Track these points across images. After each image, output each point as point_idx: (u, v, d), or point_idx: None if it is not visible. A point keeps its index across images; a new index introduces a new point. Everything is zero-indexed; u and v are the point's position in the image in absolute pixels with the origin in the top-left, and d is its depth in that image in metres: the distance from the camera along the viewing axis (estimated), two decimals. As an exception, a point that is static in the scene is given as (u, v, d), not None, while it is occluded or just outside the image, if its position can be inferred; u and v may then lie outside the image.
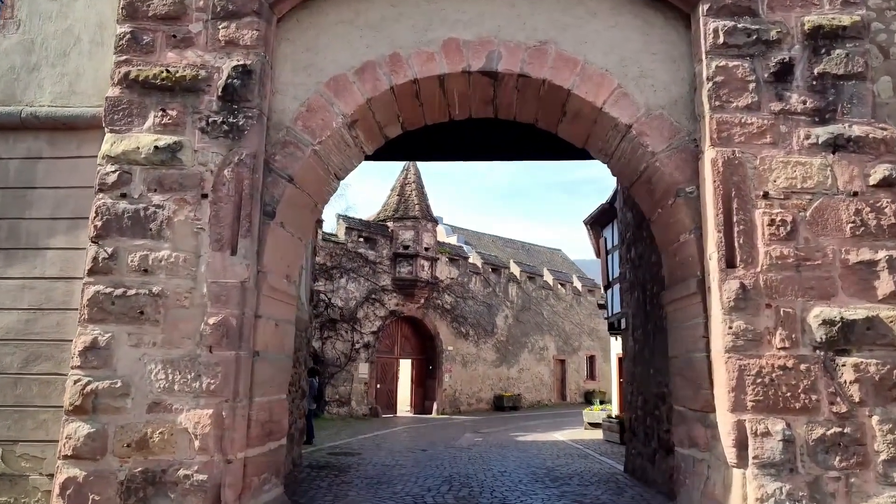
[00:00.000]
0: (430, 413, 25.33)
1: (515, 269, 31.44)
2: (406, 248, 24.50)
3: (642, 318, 9.72)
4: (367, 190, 72.88)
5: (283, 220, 6.12)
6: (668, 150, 5.98)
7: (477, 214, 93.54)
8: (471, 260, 28.76)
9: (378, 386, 23.85)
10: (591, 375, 35.57)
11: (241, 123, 5.74)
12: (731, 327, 5.25)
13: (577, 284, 35.71)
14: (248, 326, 5.58)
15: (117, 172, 5.63)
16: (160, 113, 5.75)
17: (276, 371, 6.30)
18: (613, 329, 16.13)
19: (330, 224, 25.57)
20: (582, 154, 11.91)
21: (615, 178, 15.39)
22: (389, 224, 24.77)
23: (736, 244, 5.39)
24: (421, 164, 25.55)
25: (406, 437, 17.07)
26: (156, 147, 5.64)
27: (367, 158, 12.54)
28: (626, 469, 10.83)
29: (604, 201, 15.57)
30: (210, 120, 5.74)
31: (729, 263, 5.38)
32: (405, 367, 28.11)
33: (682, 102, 6.05)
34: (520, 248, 39.62)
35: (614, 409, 19.56)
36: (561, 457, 13.33)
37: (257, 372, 5.76)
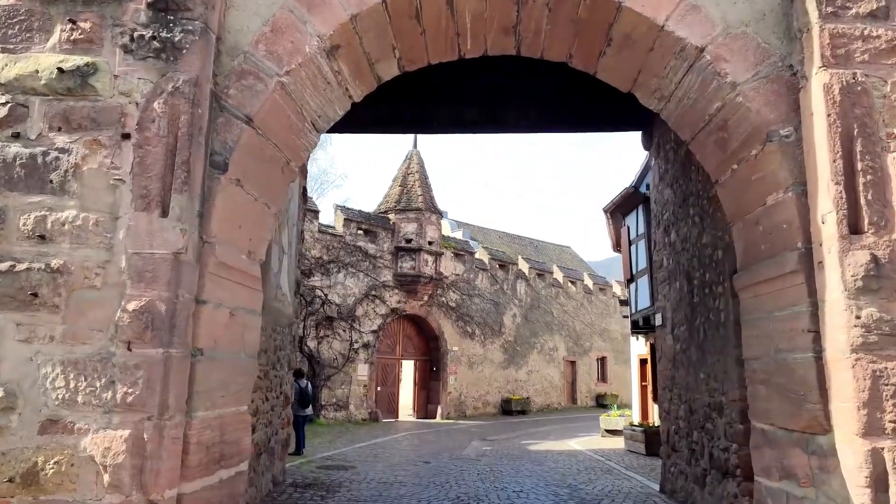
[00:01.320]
0: (434, 417, 23.81)
1: (524, 266, 29.90)
2: (408, 241, 23.00)
3: (686, 313, 8.19)
4: (367, 182, 71.13)
5: (240, 177, 4.61)
6: (754, 81, 4.45)
7: (483, 212, 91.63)
8: (477, 255, 27.25)
9: (378, 389, 22.34)
10: (603, 378, 34.00)
11: (177, 40, 4.22)
12: (858, 317, 3.72)
13: (589, 282, 34.15)
14: (185, 314, 4.06)
15: (8, 105, 4.12)
16: (69, 26, 4.25)
17: (231, 375, 4.77)
18: (638, 328, 14.58)
19: (327, 215, 24.12)
20: (615, 121, 10.40)
21: (643, 155, 13.85)
22: (391, 216, 23.28)
23: (862, 201, 3.86)
24: (425, 156, 24.08)
25: (407, 446, 15.56)
26: (60, 70, 4.13)
27: (361, 129, 11.04)
28: (662, 489, 9.29)
29: (627, 185, 14.03)
30: (136, 35, 4.22)
31: (853, 228, 3.85)
32: (407, 369, 26.61)
33: (772, 16, 4.52)
34: (528, 245, 38.08)
35: (634, 415, 18.00)
36: (582, 471, 11.80)
37: (201, 377, 4.24)
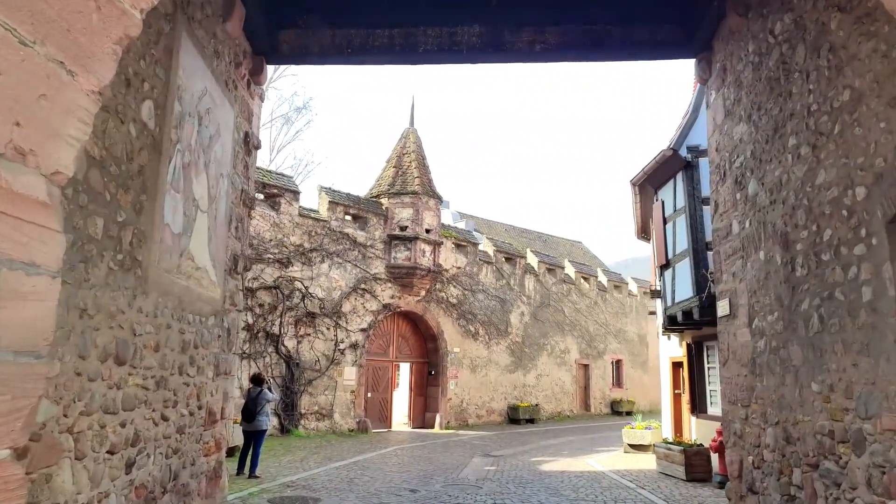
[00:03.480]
0: (433, 427, 21.18)
1: (533, 260, 27.25)
2: (403, 228, 20.41)
3: (780, 294, 5.56)
4: (359, 168, 68.11)
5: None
6: None
7: (487, 204, 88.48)
8: (481, 247, 24.62)
9: (368, 395, 19.73)
10: (618, 383, 31.28)
11: None
12: None
13: (603, 279, 31.45)
14: None
15: None
16: None
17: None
18: (675, 324, 11.94)
19: (310, 197, 21.57)
20: (659, 45, 7.83)
21: (692, 93, 11.18)
22: (384, 200, 20.70)
23: None
24: (424, 138, 21.45)
25: (395, 465, 12.95)
26: None
27: (326, 59, 8.48)
28: (733, 544, 6.66)
29: (663, 148, 11.39)
30: None
31: None
32: (402, 373, 24.03)
33: None
34: (536, 239, 35.41)
35: (665, 429, 15.33)
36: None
37: None
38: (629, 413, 29.60)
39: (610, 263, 41.79)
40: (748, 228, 6.42)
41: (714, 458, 11.01)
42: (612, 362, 30.97)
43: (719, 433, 10.92)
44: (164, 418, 5.63)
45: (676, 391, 14.53)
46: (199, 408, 6.55)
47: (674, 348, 14.19)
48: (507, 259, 25.60)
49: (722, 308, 7.12)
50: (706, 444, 11.61)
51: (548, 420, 25.93)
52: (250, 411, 10.75)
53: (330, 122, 67.01)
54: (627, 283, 33.14)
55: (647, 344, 33.18)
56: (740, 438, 6.66)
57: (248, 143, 8.01)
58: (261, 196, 17.34)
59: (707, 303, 10.34)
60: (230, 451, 12.32)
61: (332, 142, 64.60)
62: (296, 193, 18.10)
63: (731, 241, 6.91)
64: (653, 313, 17.23)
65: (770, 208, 5.84)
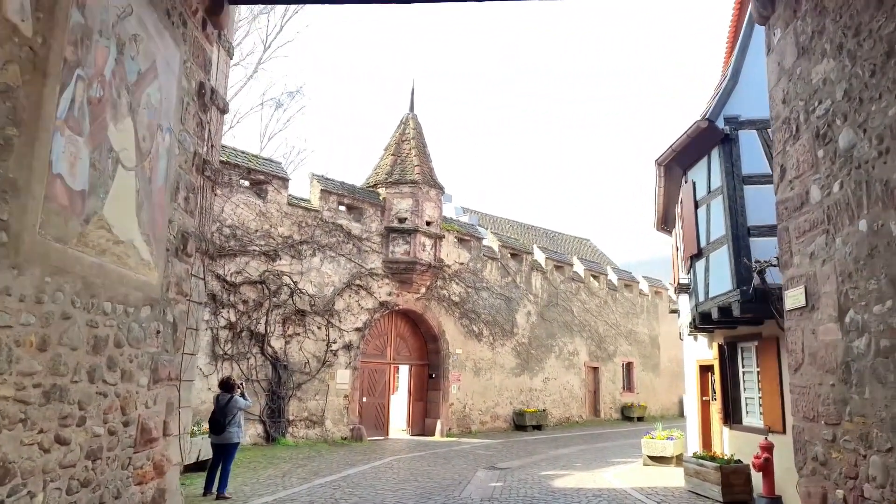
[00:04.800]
0: (433, 434, 19.69)
1: (540, 256, 25.74)
2: (402, 220, 18.94)
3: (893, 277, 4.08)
4: (355, 161, 66.38)
5: None
6: None
7: (492, 201, 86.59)
8: (485, 242, 23.13)
9: (364, 400, 18.25)
10: (629, 387, 29.73)
11: None
12: None
13: (613, 277, 29.92)
14: None
15: None
16: None
17: None
18: (708, 322, 10.43)
19: (301, 187, 20.07)
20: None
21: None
22: (381, 190, 19.24)
23: None
24: (425, 126, 20.00)
25: (389, 482, 11.47)
26: None
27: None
28: None
29: (697, 120, 9.90)
30: None
31: None
32: (400, 376, 22.58)
33: None
34: (543, 236, 33.90)
35: (691, 439, 13.81)
36: (644, 540, 7.67)
37: None
38: (640, 419, 28.08)
39: (619, 265, 40.23)
40: (837, 193, 4.94)
41: (756, 477, 9.51)
42: (623, 365, 29.44)
43: (763, 448, 9.41)
44: (62, 441, 4.16)
45: (704, 398, 13.01)
46: (126, 424, 5.08)
47: (702, 350, 12.68)
48: (513, 255, 24.11)
49: (793, 299, 5.63)
50: (745, 461, 10.12)
51: (556, 426, 24.42)
52: (218, 422, 9.28)
53: (326, 111, 65.15)
54: (638, 283, 31.62)
55: (660, 346, 31.68)
56: (823, 466, 5.16)
57: (204, 97, 6.55)
58: (246, 183, 15.91)
59: (750, 296, 8.86)
60: (200, 466, 10.88)
61: (328, 130, 62.68)
62: (284, 181, 16.64)
63: (807, 213, 5.42)
64: (675, 311, 15.71)
65: (878, 161, 4.35)
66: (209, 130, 7.97)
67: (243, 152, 16.55)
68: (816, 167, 5.24)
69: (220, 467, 9.37)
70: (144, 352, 5.37)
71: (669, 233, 15.65)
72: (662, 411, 31.13)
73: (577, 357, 26.58)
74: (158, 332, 5.61)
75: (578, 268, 27.83)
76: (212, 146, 8.04)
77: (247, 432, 14.84)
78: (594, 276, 28.52)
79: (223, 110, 8.17)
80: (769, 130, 7.40)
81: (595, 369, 27.71)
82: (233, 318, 15.03)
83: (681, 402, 32.55)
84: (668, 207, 13.83)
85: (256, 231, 15.78)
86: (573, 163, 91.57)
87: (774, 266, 8.47)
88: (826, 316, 5.07)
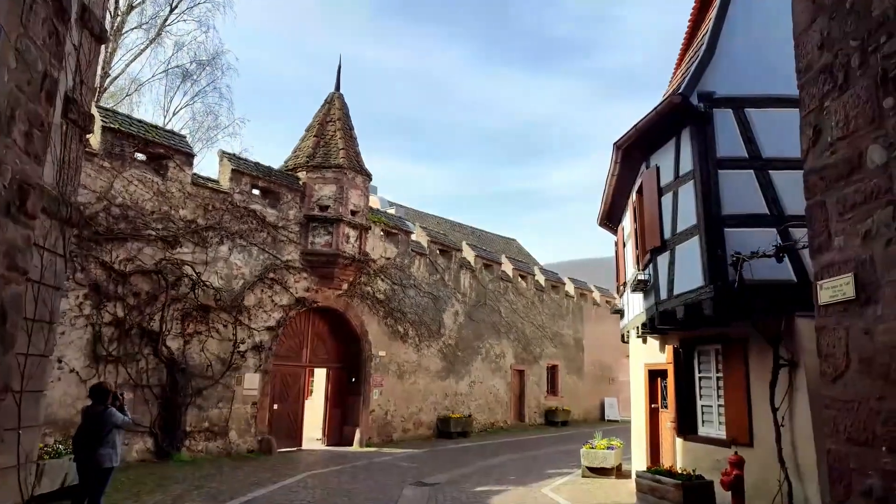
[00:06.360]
0: (351, 444, 17.97)
1: (469, 254, 24.54)
2: (324, 208, 17.15)
3: None
4: (275, 143, 63.01)
5: None
6: None
7: (418, 196, 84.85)
8: (414, 237, 21.65)
9: (275, 407, 16.30)
10: (553, 390, 29.07)
11: None
12: None
13: (540, 278, 29.19)
14: None
15: None
16: None
17: None
18: (667, 322, 9.41)
19: (209, 164, 17.84)
20: None
21: None
22: (301, 174, 17.36)
23: None
24: (353, 111, 18.19)
25: (303, 507, 9.76)
26: None
27: None
28: None
29: (662, 101, 8.86)
30: None
31: None
32: (317, 380, 20.76)
33: None
34: (470, 234, 32.80)
35: (635, 452, 12.87)
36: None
37: None
38: (565, 423, 27.45)
39: (544, 265, 39.80)
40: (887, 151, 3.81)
41: (725, 496, 8.56)
42: (548, 368, 28.74)
43: (733, 464, 8.45)
44: None
45: (654, 405, 12.08)
46: None
47: (652, 354, 11.74)
48: (443, 252, 22.76)
49: (834, 290, 4.50)
50: (706, 476, 9.16)
51: (481, 432, 23.25)
52: (85, 441, 7.26)
53: (246, 87, 61.65)
54: (565, 284, 31.11)
55: (584, 348, 31.30)
56: (870, 496, 4.02)
57: (62, 3, 4.72)
58: (141, 156, 13.68)
59: (734, 292, 7.89)
60: (66, 493, 8.77)
61: (245, 110, 58.98)
62: (189, 156, 14.50)
63: (859, 181, 4.29)
64: (618, 311, 14.81)
65: None
66: (78, 60, 6.08)
67: (139, 121, 14.30)
68: (880, 121, 4.11)
69: (87, 498, 7.38)
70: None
71: (614, 229, 14.73)
72: (585, 415, 30.73)
73: (504, 359, 25.57)
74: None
75: (507, 267, 26.87)
76: (81, 82, 6.15)
77: (133, 447, 12.64)
78: (522, 277, 27.66)
79: (99, 38, 6.29)
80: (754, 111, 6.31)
81: (521, 372, 26.81)
82: (120, 314, 12.79)
83: (602, 406, 32.33)
84: (617, 200, 12.85)
85: (153, 213, 13.59)
86: (505, 165, 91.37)
87: (767, 257, 7.50)
88: (892, 312, 3.94)
